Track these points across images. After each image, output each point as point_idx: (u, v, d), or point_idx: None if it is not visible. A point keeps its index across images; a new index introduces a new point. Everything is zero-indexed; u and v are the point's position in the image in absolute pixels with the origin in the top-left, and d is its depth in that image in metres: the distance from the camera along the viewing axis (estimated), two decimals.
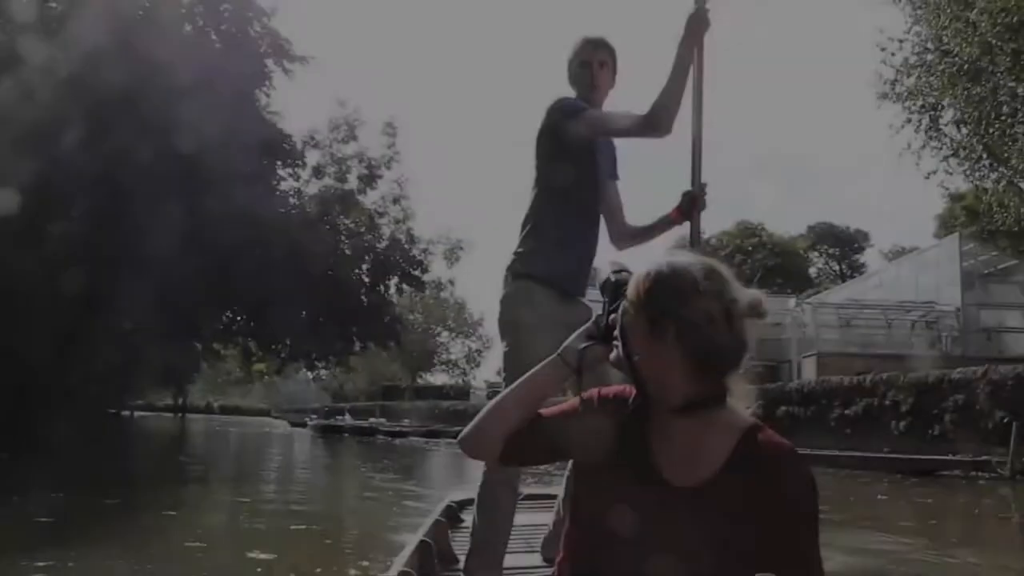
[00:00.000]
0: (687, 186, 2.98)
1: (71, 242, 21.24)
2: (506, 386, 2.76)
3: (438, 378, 64.26)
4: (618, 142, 3.38)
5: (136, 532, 7.09)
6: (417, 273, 30.36)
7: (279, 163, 26.82)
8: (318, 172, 29.09)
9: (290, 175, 28.22)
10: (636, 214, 3.39)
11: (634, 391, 1.47)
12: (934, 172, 14.48)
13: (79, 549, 6.15)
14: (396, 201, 30.57)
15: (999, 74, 11.86)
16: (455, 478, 15.70)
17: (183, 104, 22.31)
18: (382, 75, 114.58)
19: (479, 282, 69.08)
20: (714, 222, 60.58)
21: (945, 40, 12.53)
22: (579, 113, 3.03)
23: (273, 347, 29.85)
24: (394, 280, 30.42)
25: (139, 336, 26.24)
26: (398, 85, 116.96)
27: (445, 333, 62.22)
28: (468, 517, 3.19)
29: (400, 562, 3.19)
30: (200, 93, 22.79)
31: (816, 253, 59.23)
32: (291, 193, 28.40)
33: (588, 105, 3.08)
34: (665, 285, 1.39)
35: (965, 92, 12.46)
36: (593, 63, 3.16)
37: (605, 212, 3.30)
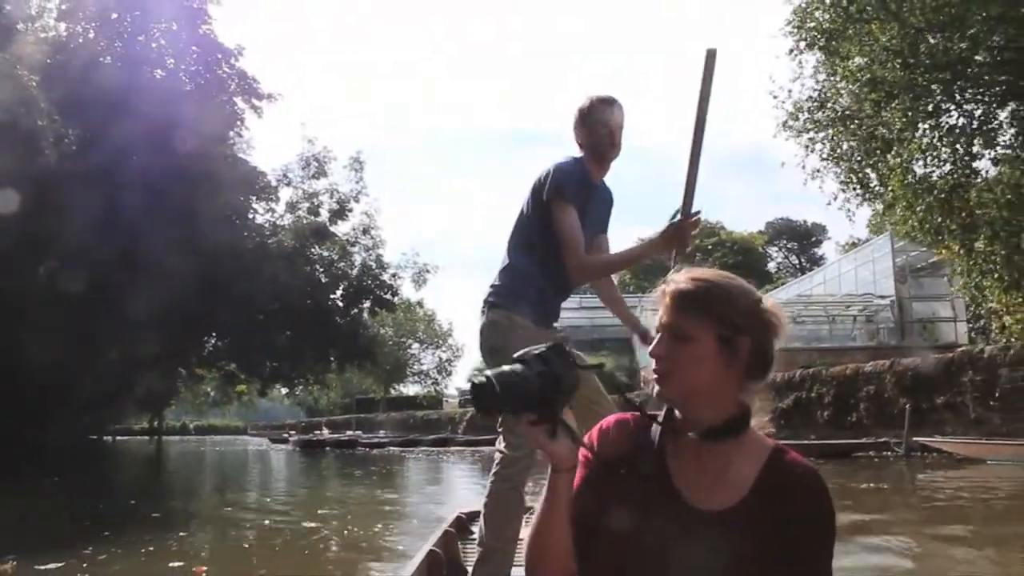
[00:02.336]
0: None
1: (59, 276, 22.00)
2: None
3: (411, 389, 64.93)
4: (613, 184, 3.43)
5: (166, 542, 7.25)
6: (388, 296, 32.11)
7: (254, 198, 28.31)
8: (292, 207, 30.74)
9: (266, 209, 29.71)
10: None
11: (637, 414, 1.45)
12: (835, 197, 16.76)
13: None
14: (366, 231, 32.28)
15: (865, 120, 14.12)
16: (434, 484, 17.47)
17: (162, 143, 23.69)
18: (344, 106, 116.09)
19: (447, 293, 70.58)
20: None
21: (821, 92, 14.83)
22: (559, 195, 3.13)
23: (255, 370, 31.28)
24: (367, 304, 32.04)
25: (125, 364, 27.46)
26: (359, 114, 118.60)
27: (416, 345, 63.22)
28: (477, 528, 3.16)
29: (409, 571, 3.32)
30: (177, 133, 24.18)
31: (775, 248, 60.15)
32: (267, 226, 29.82)
33: (591, 182, 3.23)
34: (737, 300, 1.37)
35: (840, 134, 14.76)
36: (611, 124, 3.23)
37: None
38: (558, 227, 3.13)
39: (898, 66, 12.87)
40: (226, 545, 7.66)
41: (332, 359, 31.35)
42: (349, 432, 39.08)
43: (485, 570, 2.99)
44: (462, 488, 14.49)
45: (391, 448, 32.41)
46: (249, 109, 29.32)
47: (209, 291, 25.03)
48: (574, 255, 3.11)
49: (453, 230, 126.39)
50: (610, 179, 3.41)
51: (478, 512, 3.22)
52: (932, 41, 13.09)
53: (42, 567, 5.75)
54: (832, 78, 14.38)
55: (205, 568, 6.17)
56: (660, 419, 1.42)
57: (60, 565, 5.84)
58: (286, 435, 47.66)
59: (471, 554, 3.27)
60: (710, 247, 54.48)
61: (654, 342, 1.38)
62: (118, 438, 53.83)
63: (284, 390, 52.47)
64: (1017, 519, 8.27)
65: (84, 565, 5.98)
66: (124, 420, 55.11)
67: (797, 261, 59.49)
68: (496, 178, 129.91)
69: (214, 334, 29.99)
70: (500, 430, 3.06)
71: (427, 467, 21.95)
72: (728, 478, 1.35)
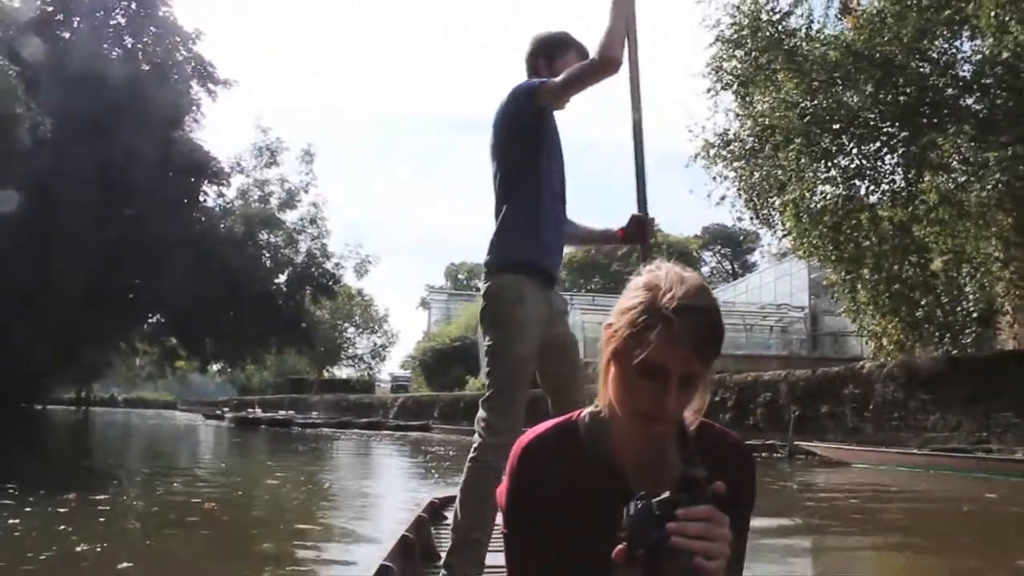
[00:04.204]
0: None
1: (2, 251, 22.21)
2: (491, 381, 2.95)
3: (344, 372, 65.73)
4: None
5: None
6: (330, 284, 33.32)
7: (206, 182, 29.18)
8: (243, 195, 31.67)
9: (217, 194, 30.64)
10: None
11: (580, 414, 1.41)
12: (739, 220, 18.62)
13: None
14: (313, 221, 33.46)
15: (766, 160, 15.99)
16: (363, 464, 18.82)
17: (117, 124, 24.36)
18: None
19: (383, 279, 71.33)
20: (609, 221, 62.99)
21: (730, 131, 16.67)
22: (540, 85, 3.01)
23: (197, 348, 32.12)
24: (309, 291, 33.17)
25: (66, 336, 27.96)
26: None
27: (352, 329, 64.11)
28: (451, 514, 3.14)
29: (382, 557, 3.27)
30: (132, 114, 24.89)
31: (709, 253, 60.93)
32: (218, 210, 30.71)
33: (543, 79, 3.07)
34: (717, 307, 1.31)
35: (744, 169, 16.61)
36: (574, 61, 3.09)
37: (595, 243, 3.52)
38: (561, 87, 2.99)
39: (795, 115, 14.75)
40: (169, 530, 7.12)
41: (273, 341, 32.38)
42: (282, 412, 39.78)
43: (461, 555, 2.90)
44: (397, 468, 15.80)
45: (325, 429, 33.31)
46: (205, 93, 30.22)
47: (155, 269, 25.84)
48: (585, 65, 2.95)
49: (385, 218, 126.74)
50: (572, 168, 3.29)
51: (452, 497, 3.14)
52: (828, 94, 14.99)
53: None
54: (740, 118, 16.21)
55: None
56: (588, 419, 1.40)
57: None
58: (219, 412, 48.02)
59: (445, 540, 3.15)
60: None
61: (670, 395, 1.26)
62: (48, 407, 53.49)
63: (216, 367, 52.86)
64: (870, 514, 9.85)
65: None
66: (55, 389, 54.69)
67: (730, 267, 60.63)
68: (429, 165, 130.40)
69: (158, 311, 30.65)
70: (480, 410, 2.98)
71: (359, 447, 23.09)
72: (667, 457, 1.33)
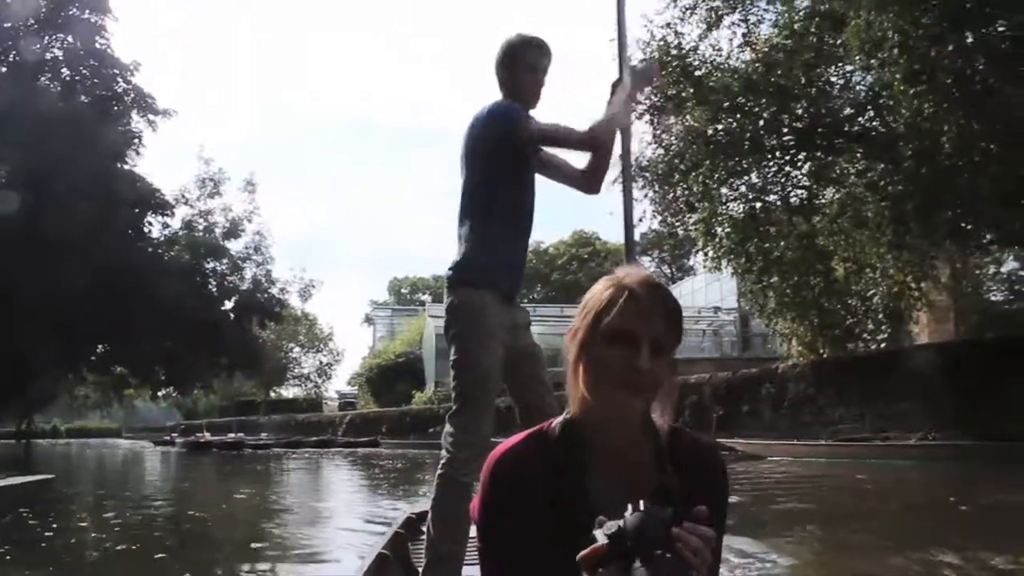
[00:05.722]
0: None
1: None
2: (457, 392, 2.98)
3: (291, 391, 65.75)
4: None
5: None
6: (276, 310, 34.14)
7: (151, 213, 29.71)
8: (188, 225, 32.29)
9: (162, 224, 31.20)
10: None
11: (551, 424, 1.40)
12: (659, 237, 20.04)
13: None
14: (257, 249, 34.34)
15: (672, 183, 17.45)
16: (317, 481, 19.65)
17: (58, 157, 24.65)
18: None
19: (328, 294, 71.55)
20: (551, 232, 63.12)
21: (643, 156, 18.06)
22: (524, 122, 2.97)
23: (147, 375, 32.52)
24: (256, 317, 33.88)
25: (13, 368, 28.05)
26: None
27: (297, 348, 64.33)
28: (426, 529, 3.04)
29: (359, 574, 3.26)
30: (73, 147, 25.18)
31: (648, 258, 59.74)
32: (162, 240, 31.26)
33: (527, 113, 3.03)
34: (678, 306, 1.35)
35: (659, 191, 18.05)
36: (539, 70, 3.07)
37: (556, 176, 3.27)
38: (542, 138, 3.04)
39: (701, 143, 16.22)
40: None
41: (224, 365, 33.00)
42: (232, 434, 40.06)
43: (436, 572, 2.89)
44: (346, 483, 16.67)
45: (275, 449, 33.87)
46: (145, 124, 30.59)
47: (102, 300, 26.18)
48: (572, 133, 2.98)
49: (329, 232, 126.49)
50: None
51: (427, 512, 3.10)
52: (731, 121, 16.46)
53: None
54: (651, 146, 17.67)
55: None
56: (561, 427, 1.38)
57: None
58: (168, 437, 47.76)
59: (421, 555, 3.11)
60: (586, 256, 57.41)
61: (642, 356, 1.29)
62: None
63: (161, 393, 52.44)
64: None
65: None
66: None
67: (669, 271, 60.91)
68: (373, 178, 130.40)
69: (106, 341, 30.98)
70: (447, 425, 2.99)
71: (312, 465, 23.75)
72: (639, 461, 1.34)
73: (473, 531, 2.88)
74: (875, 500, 10.15)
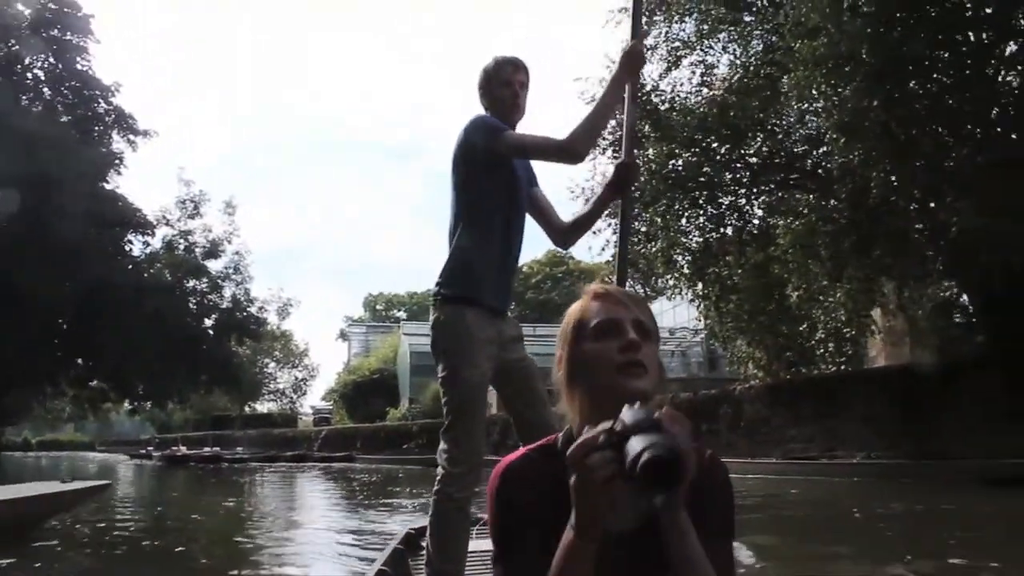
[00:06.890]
0: None
1: None
2: (447, 410, 2.99)
3: (266, 406, 66.16)
4: None
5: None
6: (255, 328, 34.94)
7: (132, 232, 30.33)
8: (169, 246, 32.97)
9: (143, 243, 31.81)
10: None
11: (555, 439, 1.40)
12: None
13: None
14: (236, 269, 35.11)
15: (638, 213, 18.33)
16: (295, 494, 20.25)
17: (41, 176, 25.06)
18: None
19: (303, 310, 71.49)
20: (525, 252, 65.38)
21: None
22: (499, 133, 3.02)
23: (127, 390, 33.04)
24: (235, 334, 34.65)
25: None
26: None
27: (272, 364, 64.83)
28: (425, 545, 3.01)
29: None
30: (56, 167, 25.61)
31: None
32: (144, 259, 31.92)
33: (506, 126, 3.07)
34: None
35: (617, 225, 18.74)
36: (515, 83, 3.13)
37: (539, 219, 3.31)
38: (517, 148, 3.08)
39: (660, 179, 17.20)
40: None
41: (203, 380, 33.61)
42: (208, 448, 40.45)
43: None
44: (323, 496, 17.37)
45: (252, 463, 34.37)
46: (126, 144, 31.08)
47: (84, 317, 26.76)
48: (550, 143, 2.99)
49: (305, 246, 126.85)
50: None
51: (426, 528, 3.06)
52: (689, 158, 17.46)
53: None
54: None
55: None
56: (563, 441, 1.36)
57: None
58: (144, 451, 48.27)
59: (421, 572, 3.10)
60: (560, 275, 57.23)
61: (631, 336, 1.33)
62: None
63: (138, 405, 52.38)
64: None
65: None
66: None
67: (642, 291, 62.83)
68: (350, 193, 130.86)
69: (87, 356, 31.45)
70: (441, 441, 2.99)
71: (288, 479, 24.10)
72: None
73: (478, 545, 3.20)
74: (792, 509, 11.23)
